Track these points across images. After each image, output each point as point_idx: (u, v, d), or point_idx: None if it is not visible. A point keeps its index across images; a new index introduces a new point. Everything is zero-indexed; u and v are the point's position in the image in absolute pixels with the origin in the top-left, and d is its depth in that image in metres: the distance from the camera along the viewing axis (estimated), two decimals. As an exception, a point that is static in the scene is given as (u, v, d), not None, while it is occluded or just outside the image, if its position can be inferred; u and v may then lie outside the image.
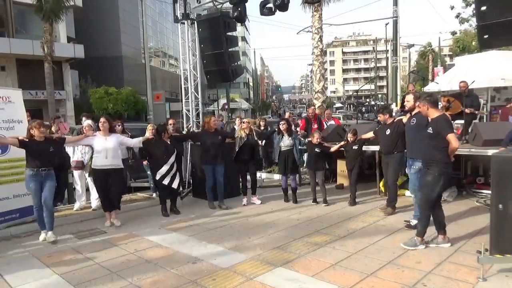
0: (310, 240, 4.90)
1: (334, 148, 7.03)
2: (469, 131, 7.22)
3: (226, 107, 36.06)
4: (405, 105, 5.54)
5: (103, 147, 5.76)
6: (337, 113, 38.80)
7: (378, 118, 6.52)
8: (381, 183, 7.29)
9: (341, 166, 8.37)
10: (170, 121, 7.35)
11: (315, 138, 6.84)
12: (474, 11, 6.79)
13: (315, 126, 9.36)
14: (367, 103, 49.55)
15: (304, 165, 8.91)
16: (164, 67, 42.62)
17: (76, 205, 6.81)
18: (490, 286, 3.51)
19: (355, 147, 6.70)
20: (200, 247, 4.83)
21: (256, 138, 7.03)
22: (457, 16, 23.34)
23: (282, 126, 6.96)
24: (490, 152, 4.20)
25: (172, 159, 6.41)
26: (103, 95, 23.74)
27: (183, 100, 9.01)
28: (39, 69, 18.17)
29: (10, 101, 5.88)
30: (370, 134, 6.53)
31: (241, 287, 3.67)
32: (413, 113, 5.28)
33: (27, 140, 5.18)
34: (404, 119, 5.69)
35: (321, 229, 5.36)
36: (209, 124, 6.92)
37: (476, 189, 7.01)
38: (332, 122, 9.88)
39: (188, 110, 8.95)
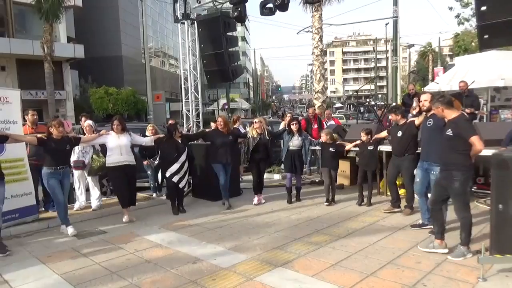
0: (310, 240, 4.90)
1: (348, 146, 6.94)
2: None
3: (226, 107, 36.07)
4: (421, 105, 5.19)
5: (117, 144, 5.96)
6: (337, 113, 38.73)
7: (390, 118, 6.31)
8: (381, 183, 7.29)
9: (341, 166, 8.33)
10: (170, 122, 7.35)
11: (325, 137, 6.79)
12: (474, 11, 6.79)
13: (315, 126, 9.38)
14: (367, 103, 49.55)
15: (307, 165, 8.93)
16: (164, 67, 42.65)
17: (76, 205, 6.80)
18: (490, 286, 3.51)
19: (370, 148, 6.55)
20: (200, 247, 4.83)
21: (268, 137, 7.02)
22: (457, 16, 23.35)
23: (294, 126, 6.98)
24: (490, 152, 4.17)
25: (183, 157, 6.50)
26: (103, 95, 23.77)
27: (183, 100, 9.02)
28: (39, 69, 18.21)
29: (8, 102, 5.87)
30: (384, 134, 6.39)
31: (241, 287, 3.66)
32: (429, 114, 5.01)
33: (46, 138, 5.38)
34: (417, 120, 5.53)
35: (321, 229, 5.36)
36: (220, 125, 6.90)
37: (476, 189, 7.00)
38: (332, 122, 9.90)
39: (188, 110, 8.96)
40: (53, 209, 6.22)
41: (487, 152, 4.27)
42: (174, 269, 4.11)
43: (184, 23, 8.77)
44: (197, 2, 8.96)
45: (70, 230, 5.46)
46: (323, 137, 6.85)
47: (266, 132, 7.04)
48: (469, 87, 7.86)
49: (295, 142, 6.94)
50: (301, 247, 4.64)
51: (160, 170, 7.39)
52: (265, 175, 9.72)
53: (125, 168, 6.01)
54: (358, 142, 6.74)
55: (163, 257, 4.51)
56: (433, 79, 20.73)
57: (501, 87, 10.61)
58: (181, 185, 6.59)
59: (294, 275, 3.86)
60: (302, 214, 6.25)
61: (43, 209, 6.51)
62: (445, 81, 12.07)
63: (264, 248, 4.66)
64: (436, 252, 4.26)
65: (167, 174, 6.51)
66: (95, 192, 6.76)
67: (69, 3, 17.46)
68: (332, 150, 6.77)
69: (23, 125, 6.35)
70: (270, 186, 8.59)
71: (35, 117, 6.63)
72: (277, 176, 9.28)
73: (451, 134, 4.07)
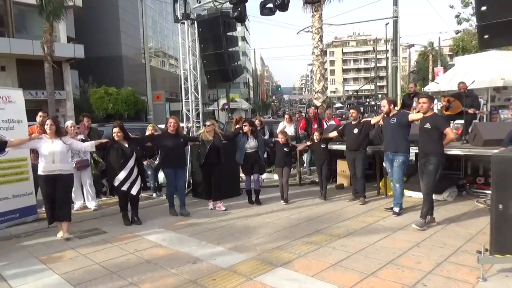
0: (310, 240, 4.91)
1: (300, 146, 7.78)
2: (469, 131, 7.23)
3: (226, 107, 36.06)
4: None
5: (50, 150, 5.21)
6: (337, 112, 38.72)
7: (351, 113, 7.12)
8: (381, 183, 7.29)
9: (341, 166, 8.37)
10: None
11: (282, 139, 7.04)
12: (474, 11, 6.80)
13: (315, 126, 9.38)
14: (367, 103, 49.62)
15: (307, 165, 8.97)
16: (164, 67, 42.62)
17: (76, 205, 6.79)
18: (490, 286, 3.51)
19: (323, 146, 7.21)
20: (200, 247, 4.83)
21: (222, 140, 6.84)
22: (457, 16, 23.32)
23: (245, 127, 6.92)
24: (490, 152, 4.18)
25: (130, 163, 5.83)
26: (103, 95, 23.76)
27: (183, 100, 9.01)
28: (39, 69, 18.15)
29: (11, 101, 5.87)
30: (334, 134, 7.24)
31: (241, 287, 3.66)
32: (391, 114, 5.86)
33: None
34: (373, 120, 6.58)
35: (321, 229, 5.37)
36: (171, 127, 6.44)
37: (476, 189, 7.01)
38: (332, 122, 9.91)
39: (188, 110, 8.95)
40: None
41: (487, 152, 4.29)
42: (174, 269, 4.11)
43: (184, 23, 8.77)
44: (197, 2, 8.95)
45: None
46: (280, 138, 7.09)
47: (220, 135, 6.88)
48: (468, 87, 7.86)
49: (251, 144, 6.94)
50: (301, 247, 4.64)
51: (109, 176, 6.45)
52: (265, 175, 9.74)
53: (58, 177, 5.21)
54: (309, 143, 7.55)
55: (163, 257, 4.51)
56: (433, 79, 20.71)
57: (501, 87, 10.60)
58: (133, 192, 5.92)
59: (294, 275, 3.87)
60: (302, 214, 6.25)
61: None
62: (445, 81, 12.06)
63: (264, 248, 4.66)
64: (432, 225, 5.23)
65: (115, 183, 5.86)
66: (92, 192, 6.74)
67: (69, 3, 17.37)
68: (287, 150, 7.11)
69: (30, 125, 6.32)
70: (270, 186, 8.60)
71: (42, 118, 6.47)
72: (276, 176, 9.26)
73: (430, 127, 5.02)
